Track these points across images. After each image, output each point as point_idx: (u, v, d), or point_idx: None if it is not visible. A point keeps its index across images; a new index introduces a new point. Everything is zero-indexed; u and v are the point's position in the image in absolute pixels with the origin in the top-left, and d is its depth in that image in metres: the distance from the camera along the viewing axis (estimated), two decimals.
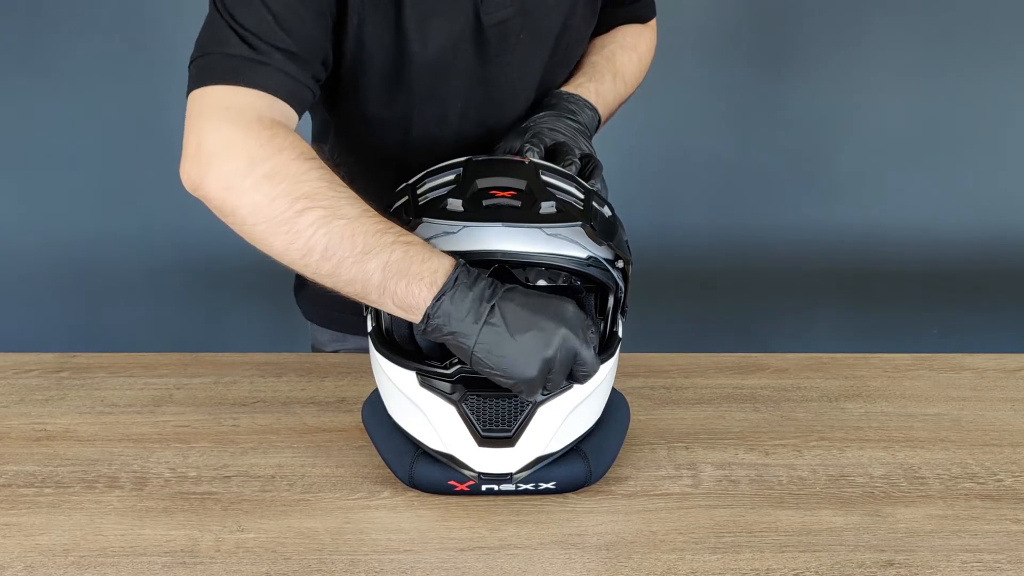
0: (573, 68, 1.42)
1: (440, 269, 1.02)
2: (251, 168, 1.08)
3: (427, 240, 1.05)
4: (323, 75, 1.20)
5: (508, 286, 1.03)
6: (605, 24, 1.47)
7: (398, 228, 1.06)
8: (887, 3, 2.75)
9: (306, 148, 1.11)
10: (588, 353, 1.02)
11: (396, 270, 1.02)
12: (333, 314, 1.53)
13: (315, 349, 1.59)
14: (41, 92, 2.77)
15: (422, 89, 1.28)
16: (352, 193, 1.08)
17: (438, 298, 1.01)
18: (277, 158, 1.08)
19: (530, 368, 1.00)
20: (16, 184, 2.84)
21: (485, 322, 1.00)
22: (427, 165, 1.20)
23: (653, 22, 1.57)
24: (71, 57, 2.75)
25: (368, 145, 1.37)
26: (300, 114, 1.17)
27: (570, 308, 1.02)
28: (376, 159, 1.36)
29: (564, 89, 1.36)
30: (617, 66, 1.43)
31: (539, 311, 1.01)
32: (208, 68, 1.15)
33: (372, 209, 1.07)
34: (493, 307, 1.00)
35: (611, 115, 1.43)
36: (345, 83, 1.28)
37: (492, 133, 1.35)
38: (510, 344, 0.99)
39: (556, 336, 1.00)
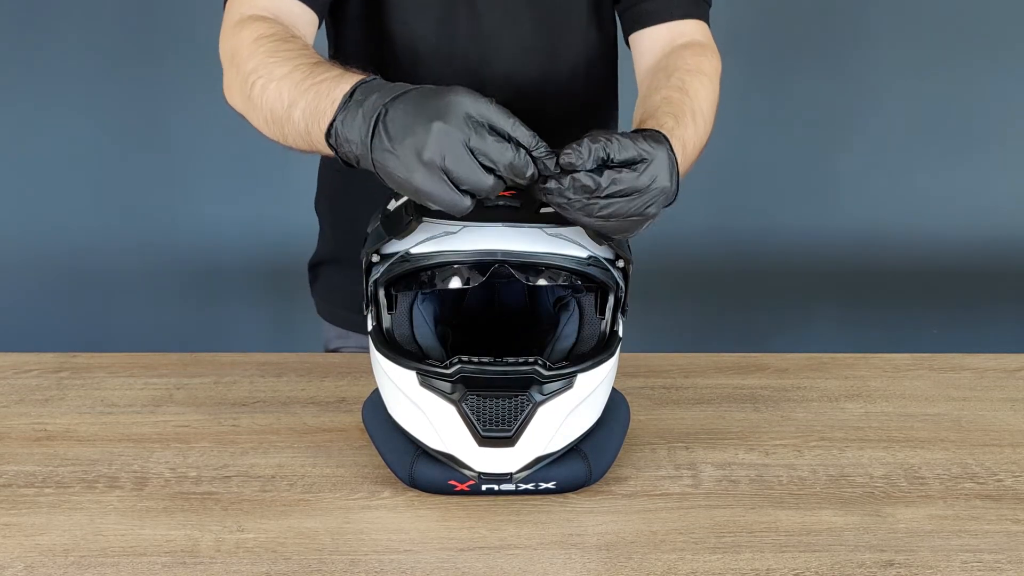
0: (647, 103, 1.22)
1: (340, 97, 0.98)
2: (231, 67, 1.15)
3: (428, 240, 1.05)
4: None
5: (405, 89, 0.95)
6: (632, 25, 1.38)
7: (322, 68, 1.04)
8: (888, 3, 2.75)
9: (263, 30, 1.15)
10: (487, 143, 0.91)
11: (311, 112, 1.01)
12: (337, 311, 1.55)
13: (324, 344, 1.60)
14: (41, 92, 2.78)
15: (394, 19, 1.33)
16: (291, 53, 1.09)
17: (331, 123, 0.97)
18: (239, 50, 1.15)
19: (416, 177, 0.92)
20: (16, 184, 2.85)
21: (372, 137, 0.94)
22: None
23: (707, 34, 1.38)
24: (71, 57, 2.75)
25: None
26: (316, 10, 1.25)
27: (451, 98, 0.91)
28: None
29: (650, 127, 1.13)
30: (693, 100, 1.22)
31: (418, 111, 0.92)
32: None
33: (306, 59, 1.07)
34: (378, 119, 0.94)
35: (691, 166, 1.20)
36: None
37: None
38: (392, 157, 0.93)
39: (428, 135, 0.90)
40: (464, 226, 1.04)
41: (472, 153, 0.91)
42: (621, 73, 1.52)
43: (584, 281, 1.09)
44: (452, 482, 1.07)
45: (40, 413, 1.27)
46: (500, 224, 1.04)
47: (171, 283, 2.88)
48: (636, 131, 1.06)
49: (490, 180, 0.93)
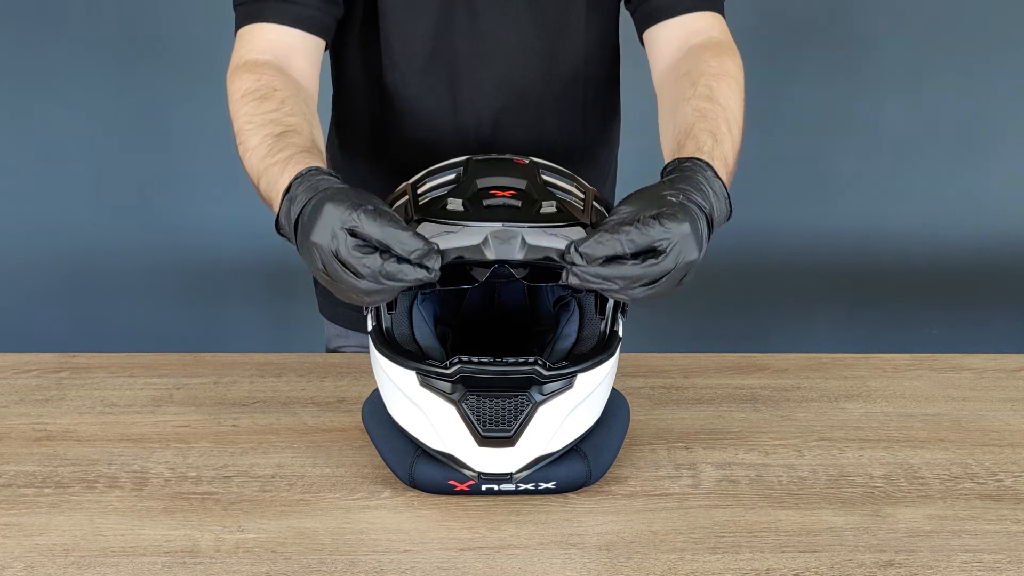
0: (679, 117, 1.19)
1: (283, 190, 1.07)
2: (231, 114, 1.24)
3: (430, 239, 1.05)
4: None
5: (323, 189, 1.02)
6: (645, 22, 1.35)
7: (280, 145, 1.13)
8: (888, 4, 2.75)
9: (249, 85, 1.22)
10: (350, 255, 0.96)
11: (267, 194, 1.13)
12: (338, 309, 1.55)
13: (325, 342, 1.61)
14: (41, 92, 2.78)
15: (392, 19, 1.35)
16: (264, 118, 1.18)
17: (277, 215, 1.08)
18: (231, 103, 1.24)
19: (318, 275, 1.00)
20: (16, 184, 2.85)
21: (296, 233, 1.02)
22: (397, 128, 1.27)
23: (723, 28, 1.33)
24: (71, 57, 2.75)
25: (352, 102, 1.42)
26: (318, 34, 1.30)
27: (324, 208, 0.97)
28: (356, 119, 1.40)
29: (691, 155, 1.10)
30: (725, 108, 1.19)
31: (309, 220, 0.99)
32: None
33: (272, 129, 1.16)
34: (298, 219, 1.02)
35: (731, 176, 1.17)
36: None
37: (469, 97, 1.39)
38: (303, 252, 1.01)
39: (306, 246, 0.99)
40: (464, 226, 1.04)
41: (341, 262, 0.96)
42: (623, 75, 1.52)
43: None
44: (452, 482, 1.07)
45: (40, 413, 1.27)
46: (500, 224, 1.04)
47: (171, 283, 2.88)
48: (671, 169, 1.09)
49: (362, 284, 0.97)
